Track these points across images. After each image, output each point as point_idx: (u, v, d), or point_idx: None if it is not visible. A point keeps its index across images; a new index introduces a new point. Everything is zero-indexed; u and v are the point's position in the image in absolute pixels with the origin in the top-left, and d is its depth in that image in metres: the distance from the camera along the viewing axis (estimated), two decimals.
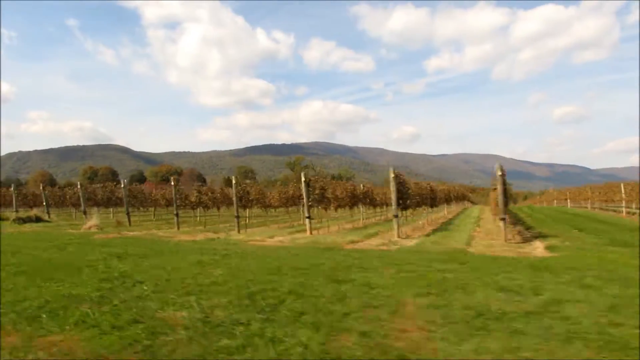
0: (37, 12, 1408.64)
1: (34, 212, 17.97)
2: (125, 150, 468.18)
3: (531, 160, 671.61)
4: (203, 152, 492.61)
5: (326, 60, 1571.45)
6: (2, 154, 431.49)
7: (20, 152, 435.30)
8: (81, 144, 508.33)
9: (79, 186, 18.94)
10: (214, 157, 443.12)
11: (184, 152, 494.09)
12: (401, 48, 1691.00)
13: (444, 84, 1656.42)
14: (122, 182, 18.49)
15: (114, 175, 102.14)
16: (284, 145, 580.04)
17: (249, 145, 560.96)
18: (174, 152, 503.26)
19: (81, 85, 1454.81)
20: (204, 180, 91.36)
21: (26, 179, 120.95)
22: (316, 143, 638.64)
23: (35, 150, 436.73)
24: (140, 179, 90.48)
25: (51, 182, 79.44)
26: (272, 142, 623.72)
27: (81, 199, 16.55)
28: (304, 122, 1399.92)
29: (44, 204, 21.59)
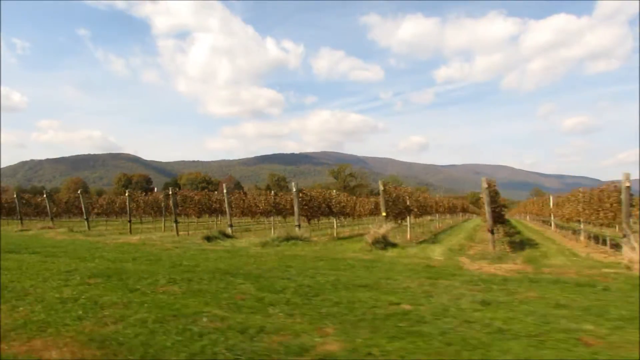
0: (49, 22, 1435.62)
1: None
2: (135, 159, 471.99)
3: (541, 172, 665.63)
4: (213, 161, 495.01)
5: (335, 70, 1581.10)
6: (15, 162, 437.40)
7: (32, 160, 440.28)
8: (91, 152, 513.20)
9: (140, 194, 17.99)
10: (224, 166, 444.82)
11: (194, 161, 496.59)
12: (410, 58, 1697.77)
13: (453, 93, 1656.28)
14: (157, 189, 17.80)
15: (147, 183, 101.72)
16: (292, 154, 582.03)
17: (258, 155, 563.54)
18: (183, 161, 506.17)
19: (91, 95, 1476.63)
20: (242, 188, 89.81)
21: (37, 186, 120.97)
22: (325, 153, 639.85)
23: (47, 159, 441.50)
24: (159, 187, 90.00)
25: (85, 190, 77.90)
26: (281, 152, 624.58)
27: (173, 208, 15.48)
28: (311, 131, 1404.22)
29: (83, 212, 20.94)
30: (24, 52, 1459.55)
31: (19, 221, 23.24)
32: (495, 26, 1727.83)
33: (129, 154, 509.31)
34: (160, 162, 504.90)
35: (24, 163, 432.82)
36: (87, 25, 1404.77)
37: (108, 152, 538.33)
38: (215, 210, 16.77)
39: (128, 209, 18.60)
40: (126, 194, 19.52)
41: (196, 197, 15.90)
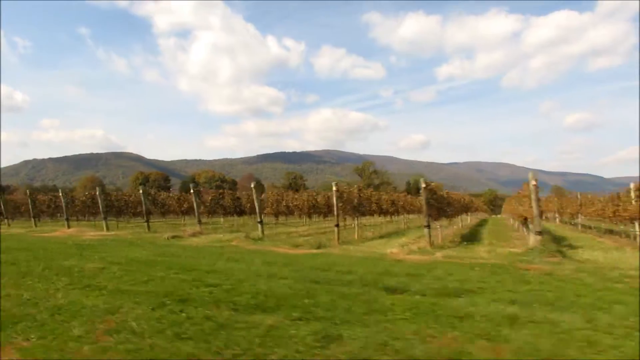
0: (50, 20, 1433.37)
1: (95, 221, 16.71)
2: (137, 159, 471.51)
3: (543, 169, 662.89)
4: (214, 160, 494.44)
5: (336, 68, 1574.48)
6: (17, 161, 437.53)
7: (35, 159, 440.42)
8: (92, 152, 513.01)
9: (171, 193, 16.96)
10: (226, 165, 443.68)
11: (196, 159, 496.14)
12: (412, 56, 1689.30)
13: (455, 91, 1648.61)
14: (192, 188, 17.31)
15: (165, 181, 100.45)
16: (294, 153, 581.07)
17: (260, 153, 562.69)
18: (185, 159, 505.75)
19: (93, 94, 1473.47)
20: (263, 187, 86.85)
21: (48, 185, 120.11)
22: (326, 151, 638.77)
23: (50, 158, 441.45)
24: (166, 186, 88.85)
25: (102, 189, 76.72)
26: (283, 150, 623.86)
27: (209, 207, 14.86)
28: (312, 130, 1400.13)
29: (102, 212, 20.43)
30: (25, 50, 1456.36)
31: (32, 221, 22.96)
32: (497, 23, 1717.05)
33: (131, 153, 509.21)
34: (163, 161, 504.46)
35: (26, 162, 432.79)
36: (88, 24, 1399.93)
37: (110, 151, 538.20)
38: (243, 212, 16.35)
39: (196, 210, 16.73)
40: (191, 191, 17.85)
41: (227, 198, 15.47)
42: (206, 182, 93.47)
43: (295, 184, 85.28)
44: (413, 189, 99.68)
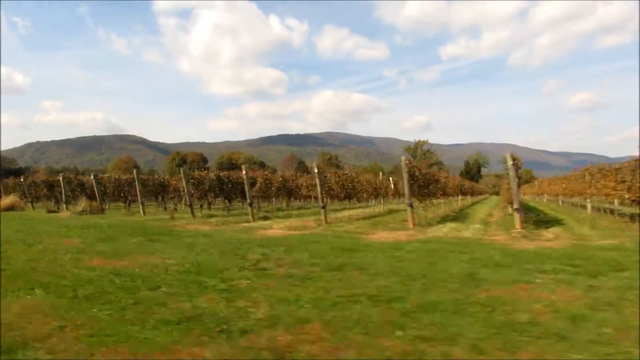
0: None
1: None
2: (141, 141, 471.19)
3: (547, 150, 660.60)
4: (218, 143, 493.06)
5: (339, 48, 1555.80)
6: (20, 144, 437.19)
7: (38, 142, 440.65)
8: (96, 134, 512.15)
9: (243, 173, 15.17)
10: (230, 148, 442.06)
11: (199, 142, 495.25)
12: (416, 35, 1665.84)
13: (459, 71, 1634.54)
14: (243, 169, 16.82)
15: (204, 162, 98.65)
16: (297, 135, 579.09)
17: (263, 136, 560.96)
18: (188, 142, 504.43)
19: (94, 75, 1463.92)
20: (306, 167, 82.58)
21: (40, 168, 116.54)
22: (329, 133, 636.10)
23: (53, 141, 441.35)
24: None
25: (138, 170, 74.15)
26: (286, 132, 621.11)
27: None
28: (315, 112, 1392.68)
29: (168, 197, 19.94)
30: (25, 31, 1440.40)
31: (64, 205, 22.07)
32: (504, 1, 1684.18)
33: (134, 136, 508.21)
34: (166, 144, 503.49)
35: (29, 145, 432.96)
36: (87, 3, 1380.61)
37: (112, 133, 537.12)
38: (302, 195, 15.89)
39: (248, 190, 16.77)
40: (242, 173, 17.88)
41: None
42: (243, 164, 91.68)
43: (330, 165, 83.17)
44: (473, 170, 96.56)
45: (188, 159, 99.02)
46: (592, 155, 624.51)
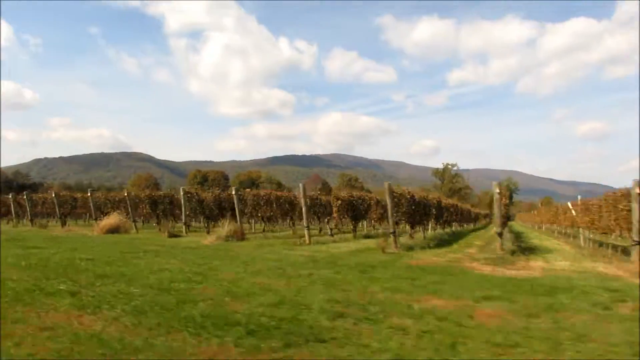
0: (61, 19, 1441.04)
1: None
2: (148, 159, 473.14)
3: (555, 178, 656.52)
4: (225, 162, 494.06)
5: (347, 71, 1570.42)
6: (28, 160, 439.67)
7: (46, 158, 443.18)
8: (103, 151, 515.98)
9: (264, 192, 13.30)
10: (237, 167, 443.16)
11: (206, 161, 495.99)
12: (424, 60, 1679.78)
13: (467, 97, 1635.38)
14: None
15: (225, 180, 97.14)
16: (304, 156, 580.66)
17: (270, 156, 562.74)
18: (196, 161, 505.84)
19: (102, 93, 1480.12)
20: (330, 187, 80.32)
21: (51, 184, 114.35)
22: (336, 155, 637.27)
23: (61, 157, 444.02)
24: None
25: (157, 188, 71.71)
26: (292, 153, 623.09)
27: (304, 210, 12.43)
28: (322, 133, 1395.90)
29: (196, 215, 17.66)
30: (36, 49, 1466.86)
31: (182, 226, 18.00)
32: (512, 29, 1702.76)
33: (141, 153, 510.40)
34: (173, 162, 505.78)
35: (37, 161, 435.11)
36: (99, 24, 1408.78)
37: (119, 150, 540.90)
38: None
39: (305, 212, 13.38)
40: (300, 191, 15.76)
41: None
42: (263, 182, 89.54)
43: (350, 186, 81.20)
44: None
45: (209, 176, 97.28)
46: (599, 185, 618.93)
